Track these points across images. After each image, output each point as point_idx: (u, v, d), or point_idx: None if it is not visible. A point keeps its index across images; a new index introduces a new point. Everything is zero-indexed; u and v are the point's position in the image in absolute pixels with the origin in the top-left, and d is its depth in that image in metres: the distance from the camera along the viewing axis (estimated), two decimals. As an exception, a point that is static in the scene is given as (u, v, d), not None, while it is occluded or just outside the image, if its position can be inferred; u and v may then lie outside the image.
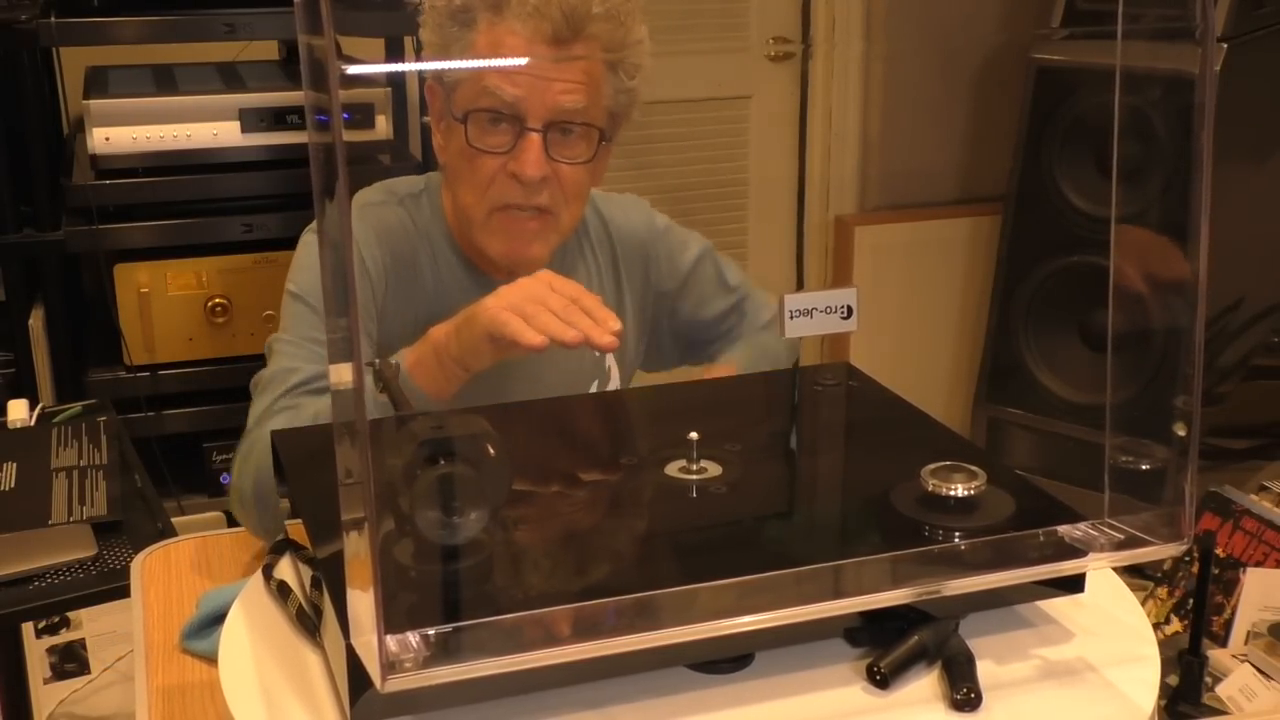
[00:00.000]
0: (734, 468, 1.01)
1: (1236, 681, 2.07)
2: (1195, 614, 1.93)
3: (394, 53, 2.34)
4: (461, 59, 1.35)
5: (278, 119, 2.15)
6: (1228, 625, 2.23)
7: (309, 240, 1.42)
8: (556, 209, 1.36)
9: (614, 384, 1.51)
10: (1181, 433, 0.88)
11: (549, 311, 1.16)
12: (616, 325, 1.15)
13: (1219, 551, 2.27)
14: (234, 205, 2.19)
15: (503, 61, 1.31)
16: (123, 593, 1.29)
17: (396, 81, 2.28)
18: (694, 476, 1.00)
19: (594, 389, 1.48)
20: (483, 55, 1.33)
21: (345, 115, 0.67)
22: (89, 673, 2.11)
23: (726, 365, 1.53)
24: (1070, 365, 2.79)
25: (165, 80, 2.27)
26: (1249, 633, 2.21)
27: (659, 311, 1.57)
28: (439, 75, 1.38)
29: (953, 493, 0.92)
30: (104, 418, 1.72)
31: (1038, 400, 2.84)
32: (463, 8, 1.32)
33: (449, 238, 1.44)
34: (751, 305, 1.60)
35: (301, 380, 1.30)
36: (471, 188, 1.35)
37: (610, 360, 1.50)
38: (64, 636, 2.13)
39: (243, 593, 1.00)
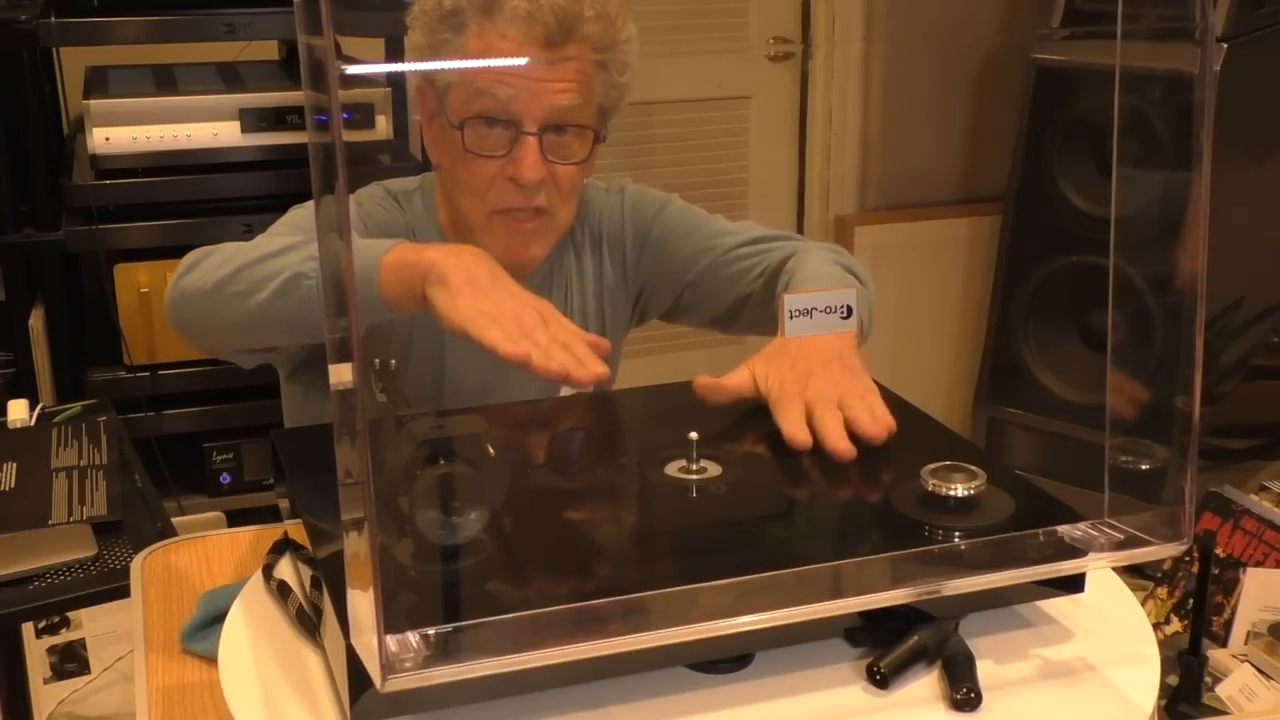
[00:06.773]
0: (734, 468, 1.01)
1: (1236, 681, 2.06)
2: (1195, 614, 1.93)
3: (394, 53, 2.33)
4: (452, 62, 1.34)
5: (278, 119, 2.15)
6: (1228, 625, 2.23)
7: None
8: (553, 209, 1.37)
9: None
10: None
11: (531, 339, 1.06)
12: (600, 369, 1.05)
13: (1219, 551, 2.27)
14: (234, 205, 2.19)
15: (496, 62, 1.31)
16: (123, 593, 1.29)
17: (396, 81, 2.28)
18: (694, 476, 1.00)
19: None
20: (474, 59, 1.32)
21: (345, 115, 0.67)
22: (89, 673, 2.11)
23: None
24: (1070, 365, 2.79)
25: (165, 80, 2.27)
26: (1249, 633, 2.20)
27: (667, 283, 1.50)
28: (429, 77, 1.37)
29: (953, 493, 0.92)
30: (104, 418, 1.72)
31: (1038, 400, 2.84)
32: (453, 10, 1.31)
33: (441, 234, 1.44)
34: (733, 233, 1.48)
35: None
36: (469, 191, 1.35)
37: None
38: (64, 636, 2.13)
39: (243, 593, 1.00)
